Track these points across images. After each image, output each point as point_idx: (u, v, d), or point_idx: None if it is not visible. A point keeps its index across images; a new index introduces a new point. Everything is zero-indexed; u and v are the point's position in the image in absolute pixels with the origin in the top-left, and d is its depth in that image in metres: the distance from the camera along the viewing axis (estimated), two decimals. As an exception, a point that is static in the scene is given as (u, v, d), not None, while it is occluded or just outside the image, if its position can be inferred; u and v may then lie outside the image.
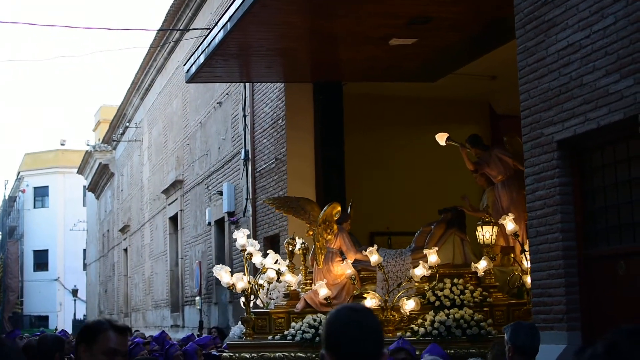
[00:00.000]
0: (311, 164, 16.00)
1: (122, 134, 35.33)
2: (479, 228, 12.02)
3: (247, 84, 18.15)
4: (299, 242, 12.59)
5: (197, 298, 22.07)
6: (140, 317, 32.45)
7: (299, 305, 12.06)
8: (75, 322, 54.15)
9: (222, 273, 12.49)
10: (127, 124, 33.88)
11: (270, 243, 17.06)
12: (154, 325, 28.26)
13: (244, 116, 18.41)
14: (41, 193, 64.85)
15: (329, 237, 12.19)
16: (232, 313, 19.66)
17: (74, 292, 57.28)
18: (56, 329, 39.43)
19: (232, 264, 19.57)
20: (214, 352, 12.47)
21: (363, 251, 12.01)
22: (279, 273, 12.48)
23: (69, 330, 50.63)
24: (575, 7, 8.12)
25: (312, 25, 13.27)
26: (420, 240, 12.58)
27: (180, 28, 23.03)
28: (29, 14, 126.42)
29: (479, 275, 11.82)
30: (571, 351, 8.30)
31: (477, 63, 14.94)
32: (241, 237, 12.55)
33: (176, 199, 25.57)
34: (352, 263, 12.11)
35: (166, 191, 26.70)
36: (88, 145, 44.00)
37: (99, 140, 44.18)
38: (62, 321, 60.01)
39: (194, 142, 23.40)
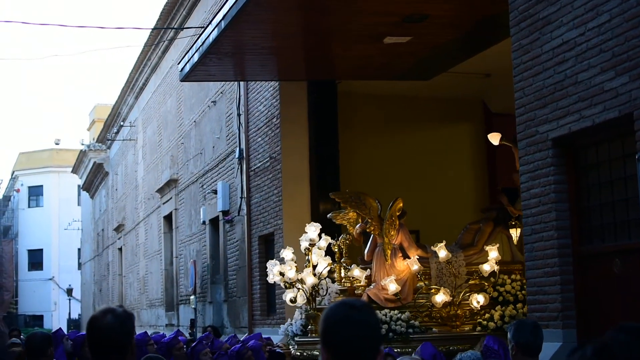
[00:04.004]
0: (306, 162, 15.98)
1: (117, 133, 35.26)
2: None
3: (242, 83, 18.12)
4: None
5: (192, 297, 22.04)
6: (134, 316, 32.39)
7: None
8: (70, 321, 54.09)
9: (286, 268, 12.41)
10: (122, 123, 33.83)
11: (265, 242, 17.04)
12: (148, 324, 28.22)
13: (239, 115, 18.38)
14: (36, 192, 64.77)
15: (392, 232, 12.21)
16: (227, 312, 19.63)
17: (69, 292, 57.21)
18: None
19: (227, 262, 19.55)
20: (278, 349, 12.29)
21: (431, 247, 12.11)
22: (345, 268, 12.43)
23: (64, 330, 50.59)
24: (569, 5, 8.11)
25: (306, 24, 13.25)
26: (468, 237, 12.82)
27: (175, 27, 22.99)
28: (22, 12, 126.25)
29: None
30: (567, 349, 8.30)
31: (472, 61, 14.93)
32: (313, 231, 12.44)
33: (171, 198, 25.53)
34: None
35: (161, 190, 26.66)
36: (82, 144, 43.89)
37: (93, 139, 44.11)
38: (57, 320, 59.92)
39: (188, 141, 23.37)
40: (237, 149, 18.35)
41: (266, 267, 16.87)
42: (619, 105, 7.44)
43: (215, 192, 19.85)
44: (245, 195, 17.96)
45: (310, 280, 12.19)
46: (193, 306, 21.96)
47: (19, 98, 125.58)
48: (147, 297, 29.95)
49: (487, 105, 18.07)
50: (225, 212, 19.33)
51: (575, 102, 8.01)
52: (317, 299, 12.33)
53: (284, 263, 12.65)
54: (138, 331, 25.47)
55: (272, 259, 16.26)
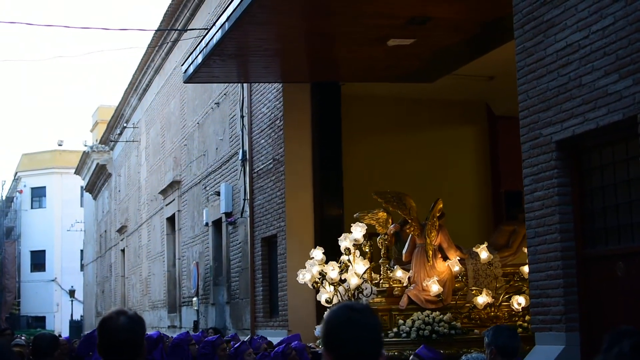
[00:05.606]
0: (309, 164, 15.98)
1: (120, 134, 35.28)
2: None
3: (245, 85, 18.12)
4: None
5: (195, 299, 22.03)
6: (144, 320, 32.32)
7: (403, 302, 11.99)
8: (72, 322, 54.09)
9: (328, 269, 12.35)
10: (125, 125, 33.84)
11: (268, 244, 17.03)
12: (150, 326, 28.22)
13: (242, 117, 18.38)
14: (38, 193, 64.79)
15: (433, 233, 12.20)
16: (230, 314, 19.63)
17: (71, 293, 57.19)
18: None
19: (230, 264, 19.54)
20: (318, 350, 12.26)
21: (472, 249, 12.17)
22: (390, 269, 12.39)
23: (66, 332, 50.63)
24: (574, 8, 8.11)
25: (310, 26, 13.26)
26: (502, 239, 12.88)
27: (178, 28, 23.00)
28: (27, 13, 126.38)
29: None
30: (570, 352, 8.29)
31: (476, 64, 14.93)
32: (359, 232, 12.36)
33: (173, 200, 25.53)
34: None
35: (164, 192, 26.66)
36: (85, 145, 43.92)
37: (96, 140, 44.12)
38: (59, 322, 59.93)
39: (191, 142, 23.38)
40: (240, 150, 18.35)
41: (269, 269, 16.98)
42: (622, 108, 7.44)
43: (218, 193, 19.85)
44: (248, 197, 17.96)
45: (354, 280, 12.14)
46: (195, 308, 21.96)
47: (22, 99, 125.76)
48: (150, 299, 29.95)
49: (491, 107, 18.07)
50: (228, 214, 19.33)
51: (579, 105, 8.00)
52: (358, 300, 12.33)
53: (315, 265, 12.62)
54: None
55: (275, 261, 16.32)
